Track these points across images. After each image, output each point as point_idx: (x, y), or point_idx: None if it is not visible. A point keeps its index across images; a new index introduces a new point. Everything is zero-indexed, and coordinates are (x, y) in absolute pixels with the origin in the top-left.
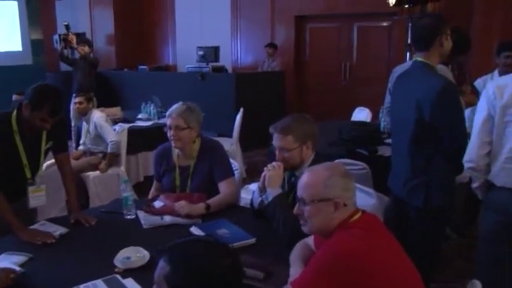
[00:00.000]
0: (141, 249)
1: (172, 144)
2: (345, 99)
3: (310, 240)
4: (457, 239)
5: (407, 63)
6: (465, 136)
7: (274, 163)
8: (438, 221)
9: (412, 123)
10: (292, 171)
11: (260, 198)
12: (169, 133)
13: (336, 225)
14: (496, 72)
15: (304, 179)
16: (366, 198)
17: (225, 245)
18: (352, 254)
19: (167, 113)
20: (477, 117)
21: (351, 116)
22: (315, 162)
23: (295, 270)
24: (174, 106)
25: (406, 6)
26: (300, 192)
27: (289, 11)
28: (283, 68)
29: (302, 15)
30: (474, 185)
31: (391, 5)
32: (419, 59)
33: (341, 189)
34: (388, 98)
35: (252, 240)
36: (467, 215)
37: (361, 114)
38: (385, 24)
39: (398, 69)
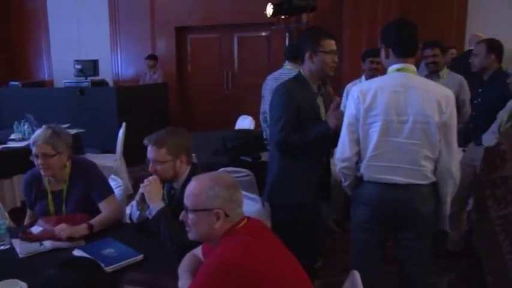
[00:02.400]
0: (18, 281)
1: (42, 173)
2: (228, 108)
3: (198, 250)
4: (340, 233)
5: (278, 71)
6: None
7: (150, 177)
8: (294, 218)
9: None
10: (170, 183)
11: (138, 212)
12: (37, 162)
13: (222, 234)
14: (363, 77)
15: (190, 187)
16: (251, 204)
17: (85, 266)
18: (237, 262)
19: (31, 141)
20: (345, 119)
21: (235, 124)
22: (192, 174)
23: (183, 283)
24: (38, 132)
25: (283, 17)
26: (185, 200)
27: (169, 22)
28: (166, 80)
29: (182, 26)
30: (346, 183)
31: (268, 15)
32: (300, 70)
33: (224, 200)
34: (263, 105)
35: (140, 257)
36: (349, 209)
37: (245, 122)
38: (264, 34)
39: (271, 77)
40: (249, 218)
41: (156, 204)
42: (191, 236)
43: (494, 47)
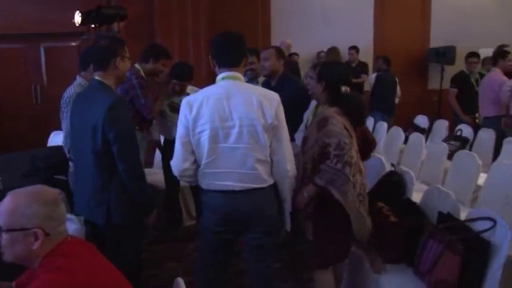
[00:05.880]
0: None
1: None
2: (39, 124)
3: None
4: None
5: (73, 85)
6: (134, 151)
7: None
8: (125, 237)
9: (91, 142)
10: None
11: None
12: None
13: (43, 255)
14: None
15: (4, 204)
16: (67, 224)
17: None
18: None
19: None
20: (178, 131)
21: (47, 141)
22: None
23: None
24: None
25: (93, 25)
26: None
27: None
28: None
29: None
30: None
31: (77, 24)
32: (96, 78)
33: (42, 218)
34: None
35: None
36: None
37: (58, 138)
38: (74, 43)
39: (67, 92)
40: (71, 236)
41: None
42: (5, 258)
43: (282, 53)
